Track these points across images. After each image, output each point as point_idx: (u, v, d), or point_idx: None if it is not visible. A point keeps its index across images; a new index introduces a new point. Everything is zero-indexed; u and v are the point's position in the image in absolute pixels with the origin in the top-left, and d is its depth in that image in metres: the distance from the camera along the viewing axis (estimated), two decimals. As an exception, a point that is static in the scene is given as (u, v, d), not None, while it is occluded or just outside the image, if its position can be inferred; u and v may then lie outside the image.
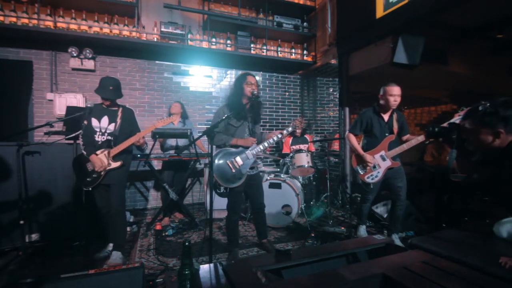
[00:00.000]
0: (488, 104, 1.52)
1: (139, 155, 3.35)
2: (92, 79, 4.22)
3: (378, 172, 2.79)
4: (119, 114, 2.63)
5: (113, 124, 2.60)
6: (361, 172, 2.85)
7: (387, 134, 2.84)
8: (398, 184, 2.83)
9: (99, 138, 2.56)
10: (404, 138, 2.88)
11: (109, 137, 2.58)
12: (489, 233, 1.88)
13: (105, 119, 2.59)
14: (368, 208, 3.09)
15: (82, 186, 2.53)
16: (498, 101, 1.52)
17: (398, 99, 2.75)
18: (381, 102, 2.83)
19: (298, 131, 4.50)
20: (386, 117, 2.87)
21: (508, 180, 1.60)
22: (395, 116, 2.87)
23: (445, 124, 2.31)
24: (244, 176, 2.49)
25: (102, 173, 2.50)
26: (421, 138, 2.61)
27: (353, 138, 2.93)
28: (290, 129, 2.58)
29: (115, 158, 2.55)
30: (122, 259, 2.56)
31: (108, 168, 2.52)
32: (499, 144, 1.54)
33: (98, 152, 2.50)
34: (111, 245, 2.74)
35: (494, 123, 1.51)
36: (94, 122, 2.58)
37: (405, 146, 2.71)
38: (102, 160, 2.49)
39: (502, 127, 1.51)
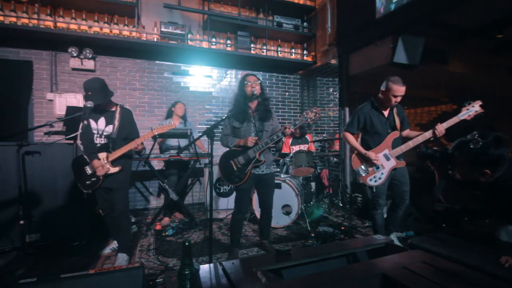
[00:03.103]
0: (480, 142, 1.50)
1: (137, 156, 3.35)
2: (92, 79, 4.22)
3: (382, 174, 2.56)
4: (117, 115, 2.51)
5: (110, 126, 2.49)
6: (363, 174, 2.61)
7: (389, 131, 2.59)
8: (404, 189, 2.65)
9: (97, 140, 2.49)
10: (404, 133, 2.67)
11: (107, 141, 2.48)
12: (488, 233, 1.88)
13: (102, 121, 2.49)
14: (382, 216, 2.73)
15: (82, 189, 2.50)
16: (489, 138, 1.50)
17: (400, 99, 2.52)
18: (381, 96, 2.58)
19: (298, 131, 4.43)
20: (385, 112, 2.64)
21: (503, 210, 1.61)
22: (395, 110, 2.63)
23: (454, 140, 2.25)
24: (246, 175, 2.50)
25: (101, 177, 2.44)
26: (428, 134, 2.41)
27: (351, 137, 2.69)
28: (297, 122, 2.45)
29: (114, 163, 2.46)
30: (127, 261, 2.55)
31: (107, 173, 2.45)
32: (484, 180, 1.56)
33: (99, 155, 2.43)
34: (115, 242, 2.76)
35: (482, 164, 1.51)
36: (92, 123, 2.48)
37: (411, 144, 2.47)
38: (104, 165, 2.43)
39: (489, 169, 1.51)
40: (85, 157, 2.49)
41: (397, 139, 2.60)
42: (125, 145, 2.46)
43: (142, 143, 2.51)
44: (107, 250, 2.76)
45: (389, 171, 2.57)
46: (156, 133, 2.57)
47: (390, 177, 2.63)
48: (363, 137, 2.75)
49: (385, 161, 2.57)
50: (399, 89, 2.46)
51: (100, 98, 2.39)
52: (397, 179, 2.64)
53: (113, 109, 2.54)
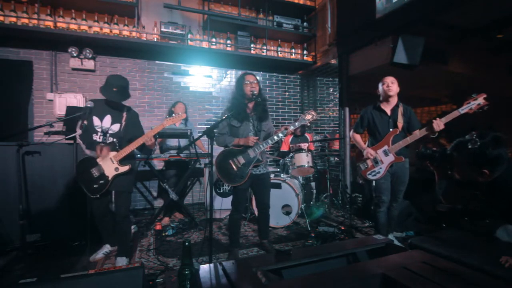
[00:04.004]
0: (478, 142, 1.50)
1: (138, 155, 3.35)
2: (92, 79, 4.22)
3: (381, 168, 2.67)
4: (124, 115, 2.47)
5: (117, 125, 2.44)
6: (363, 168, 2.75)
7: (391, 129, 2.70)
8: (400, 188, 2.74)
9: (100, 138, 2.40)
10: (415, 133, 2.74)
11: (114, 139, 2.41)
12: (488, 233, 1.88)
13: (107, 119, 2.43)
14: (385, 215, 2.80)
15: (89, 194, 2.38)
16: (488, 139, 1.50)
17: (392, 86, 2.66)
18: (379, 95, 2.78)
19: (298, 129, 4.45)
20: (388, 110, 2.73)
21: (503, 209, 1.62)
22: (400, 109, 2.71)
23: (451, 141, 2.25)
24: (247, 175, 2.50)
25: (110, 178, 2.35)
26: (426, 129, 2.47)
27: (357, 136, 2.89)
28: (297, 124, 2.50)
29: (122, 162, 2.38)
30: (127, 263, 2.48)
31: (116, 173, 2.36)
32: (483, 180, 1.56)
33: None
34: (107, 246, 2.74)
35: (480, 165, 1.51)
36: (96, 121, 2.39)
37: (408, 139, 2.57)
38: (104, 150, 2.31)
39: (487, 169, 1.51)
40: (87, 151, 2.38)
41: (398, 136, 2.68)
42: (134, 141, 2.35)
43: (152, 138, 2.39)
44: (99, 255, 2.67)
45: (387, 166, 2.68)
46: (167, 125, 2.44)
47: (391, 173, 2.72)
48: (369, 136, 2.91)
49: (384, 157, 2.69)
50: (386, 78, 2.70)
51: (121, 97, 2.41)
52: (397, 176, 2.72)
53: (120, 109, 2.49)
